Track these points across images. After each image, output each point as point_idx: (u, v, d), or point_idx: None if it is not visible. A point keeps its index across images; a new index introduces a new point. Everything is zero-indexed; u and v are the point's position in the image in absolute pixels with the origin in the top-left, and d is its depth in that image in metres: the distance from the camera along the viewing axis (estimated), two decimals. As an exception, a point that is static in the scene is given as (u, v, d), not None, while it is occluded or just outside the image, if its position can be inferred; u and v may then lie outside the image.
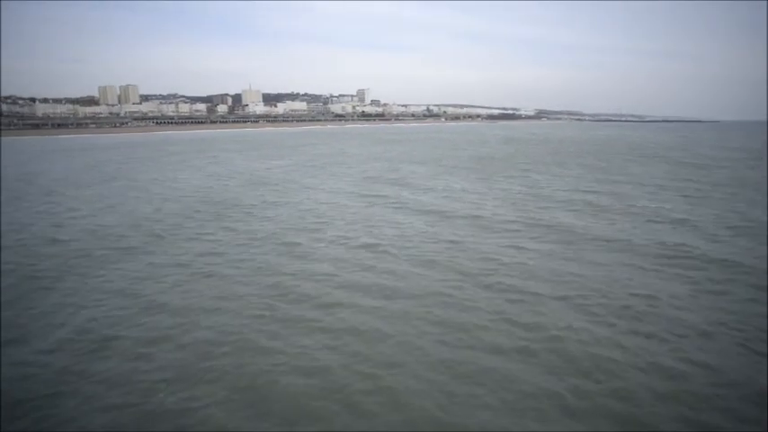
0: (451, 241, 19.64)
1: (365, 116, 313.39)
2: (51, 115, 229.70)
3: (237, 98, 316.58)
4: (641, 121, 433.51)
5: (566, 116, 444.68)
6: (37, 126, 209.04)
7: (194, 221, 24.66)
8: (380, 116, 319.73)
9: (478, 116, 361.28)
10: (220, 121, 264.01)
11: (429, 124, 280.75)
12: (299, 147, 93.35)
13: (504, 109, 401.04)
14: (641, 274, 15.50)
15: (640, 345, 10.75)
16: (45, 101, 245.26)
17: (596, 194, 30.99)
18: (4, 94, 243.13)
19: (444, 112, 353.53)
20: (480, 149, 77.93)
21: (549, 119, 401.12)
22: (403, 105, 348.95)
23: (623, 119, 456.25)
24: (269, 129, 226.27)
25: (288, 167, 52.14)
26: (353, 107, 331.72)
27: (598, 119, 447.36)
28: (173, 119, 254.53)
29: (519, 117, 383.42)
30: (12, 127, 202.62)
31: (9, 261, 17.89)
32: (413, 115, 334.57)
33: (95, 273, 16.49)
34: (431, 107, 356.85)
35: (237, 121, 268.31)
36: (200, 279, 15.82)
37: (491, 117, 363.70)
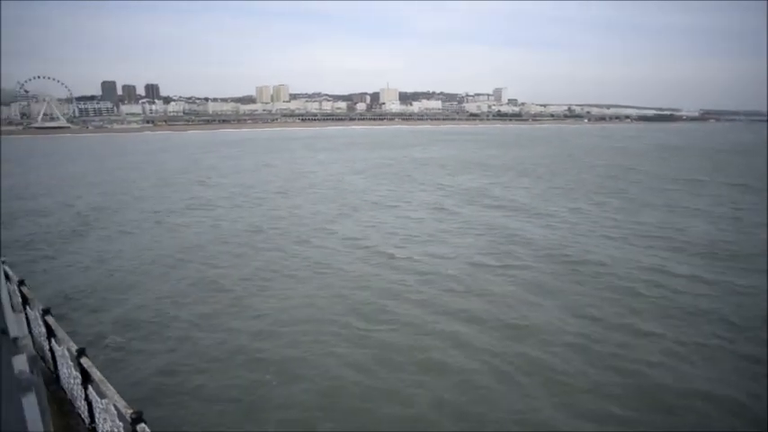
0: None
1: (501, 116, 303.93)
2: (219, 113, 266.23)
3: (375, 96, 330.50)
4: None
5: (742, 116, 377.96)
6: (208, 122, 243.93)
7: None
8: (517, 116, 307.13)
9: (627, 117, 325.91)
10: (358, 119, 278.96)
11: (569, 126, 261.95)
12: (415, 146, 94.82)
13: (659, 109, 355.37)
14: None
15: None
16: (215, 100, 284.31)
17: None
18: (186, 95, 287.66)
19: (588, 112, 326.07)
20: (616, 159, 70.58)
21: (717, 120, 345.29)
22: (541, 105, 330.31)
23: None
24: (403, 126, 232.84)
25: (378, 171, 53.04)
26: (489, 106, 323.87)
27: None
28: (316, 116, 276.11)
29: (678, 118, 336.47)
30: (190, 123, 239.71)
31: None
32: (552, 116, 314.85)
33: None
34: (572, 107, 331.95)
35: (374, 119, 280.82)
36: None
37: (643, 118, 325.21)
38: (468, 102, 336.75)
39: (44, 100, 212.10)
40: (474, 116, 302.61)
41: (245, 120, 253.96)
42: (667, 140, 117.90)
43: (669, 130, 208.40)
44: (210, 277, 19.37)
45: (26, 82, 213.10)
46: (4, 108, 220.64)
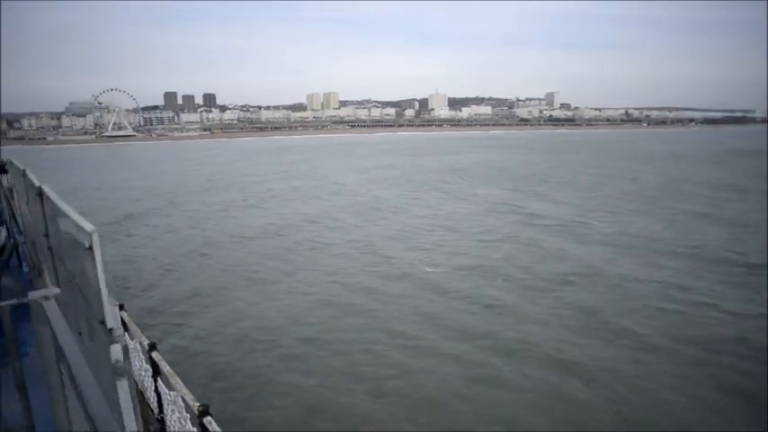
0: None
1: (553, 121, 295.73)
2: (271, 120, 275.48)
3: (424, 103, 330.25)
4: None
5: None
6: (260, 129, 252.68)
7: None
8: (570, 121, 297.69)
9: (691, 120, 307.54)
10: (407, 125, 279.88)
11: (625, 130, 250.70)
12: (459, 153, 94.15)
13: (729, 111, 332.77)
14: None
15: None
16: (268, 108, 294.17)
17: None
18: (240, 103, 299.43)
19: (647, 116, 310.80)
20: (673, 166, 66.74)
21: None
22: (596, 109, 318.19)
23: None
24: (451, 133, 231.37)
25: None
26: (540, 111, 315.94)
27: None
28: (365, 122, 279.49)
29: (751, 120, 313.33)
30: (243, 130, 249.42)
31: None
32: (608, 120, 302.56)
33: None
34: (630, 111, 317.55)
35: (423, 125, 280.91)
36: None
37: (710, 121, 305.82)
38: (518, 107, 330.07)
39: (114, 110, 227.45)
40: (525, 121, 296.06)
41: (296, 126, 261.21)
42: (733, 145, 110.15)
43: (739, 133, 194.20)
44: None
45: (100, 94, 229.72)
46: (80, 119, 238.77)
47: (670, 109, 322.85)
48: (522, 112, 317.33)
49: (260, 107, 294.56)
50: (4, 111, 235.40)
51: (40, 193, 4.50)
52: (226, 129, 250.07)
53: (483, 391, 12.08)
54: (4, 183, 11.20)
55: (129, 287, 19.91)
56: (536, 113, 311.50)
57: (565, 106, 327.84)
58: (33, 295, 2.24)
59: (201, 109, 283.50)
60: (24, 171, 6.43)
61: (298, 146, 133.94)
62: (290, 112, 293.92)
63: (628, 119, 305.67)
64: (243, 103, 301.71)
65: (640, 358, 13.56)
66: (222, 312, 17.33)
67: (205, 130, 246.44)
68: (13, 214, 10.38)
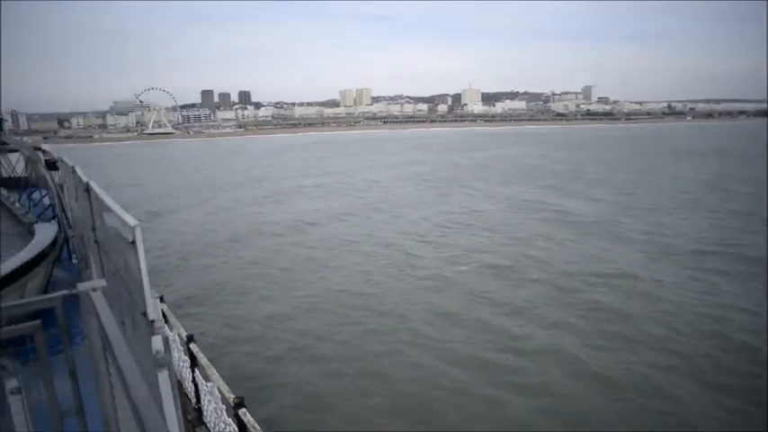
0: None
1: (590, 115, 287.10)
2: (304, 116, 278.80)
3: (457, 98, 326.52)
4: None
5: None
6: (294, 125, 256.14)
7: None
8: (608, 115, 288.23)
9: (742, 113, 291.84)
10: (439, 120, 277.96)
11: (667, 124, 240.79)
12: (487, 149, 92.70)
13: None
14: None
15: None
16: (301, 104, 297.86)
17: None
18: (274, 100, 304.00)
19: (691, 109, 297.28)
20: (716, 162, 63.70)
21: None
22: (636, 102, 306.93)
23: None
24: (484, 128, 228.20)
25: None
26: (577, 105, 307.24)
27: None
28: (397, 118, 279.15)
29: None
30: (277, 126, 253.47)
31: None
32: (648, 114, 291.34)
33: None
34: (673, 104, 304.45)
35: (455, 121, 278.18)
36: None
37: (763, 113, 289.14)
38: (554, 101, 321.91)
39: (155, 109, 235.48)
40: (561, 116, 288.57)
41: (328, 123, 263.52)
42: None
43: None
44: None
45: (141, 93, 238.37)
46: (123, 117, 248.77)
47: (718, 101, 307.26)
48: (557, 106, 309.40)
49: (293, 104, 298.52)
50: (58, 111, 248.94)
51: (88, 189, 4.76)
52: (260, 125, 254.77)
53: (510, 395, 11.99)
54: (56, 179, 11.81)
55: (159, 280, 20.66)
56: (572, 108, 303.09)
57: (603, 100, 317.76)
58: (82, 287, 2.33)
59: (237, 106, 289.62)
60: (74, 168, 6.79)
61: (330, 142, 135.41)
62: (323, 108, 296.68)
63: (670, 112, 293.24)
64: (277, 100, 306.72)
65: (673, 364, 13.15)
66: (249, 309, 17.76)
67: (240, 127, 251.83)
68: (64, 209, 10.97)
